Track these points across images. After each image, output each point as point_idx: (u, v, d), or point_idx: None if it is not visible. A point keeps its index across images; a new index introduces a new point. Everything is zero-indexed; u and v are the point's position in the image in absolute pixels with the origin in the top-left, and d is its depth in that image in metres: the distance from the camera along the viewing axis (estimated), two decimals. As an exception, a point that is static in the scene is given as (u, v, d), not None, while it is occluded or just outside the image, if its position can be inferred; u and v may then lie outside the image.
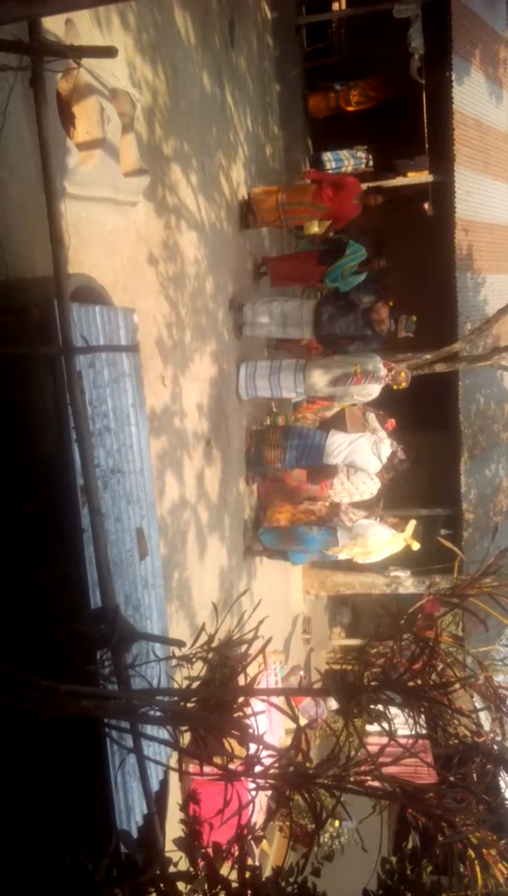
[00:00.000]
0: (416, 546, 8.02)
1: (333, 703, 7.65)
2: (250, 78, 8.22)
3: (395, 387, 7.53)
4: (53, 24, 3.67)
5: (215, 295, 6.64)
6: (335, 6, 11.38)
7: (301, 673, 8.38)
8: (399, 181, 10.36)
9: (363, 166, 10.53)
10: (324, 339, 7.48)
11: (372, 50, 10.92)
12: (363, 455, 7.56)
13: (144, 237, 5.10)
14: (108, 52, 2.56)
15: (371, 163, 10.58)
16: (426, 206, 10.28)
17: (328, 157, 10.50)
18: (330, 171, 10.29)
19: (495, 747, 2.38)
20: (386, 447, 7.55)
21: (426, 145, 10.15)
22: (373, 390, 7.37)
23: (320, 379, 7.30)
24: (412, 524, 7.95)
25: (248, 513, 7.84)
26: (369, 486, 7.90)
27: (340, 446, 7.55)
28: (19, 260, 3.36)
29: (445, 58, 9.28)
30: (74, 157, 3.89)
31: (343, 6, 11.37)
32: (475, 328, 9.43)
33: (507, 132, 10.80)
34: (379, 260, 7.86)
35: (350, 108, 10.57)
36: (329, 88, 10.66)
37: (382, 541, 7.92)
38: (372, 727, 2.78)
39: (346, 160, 10.51)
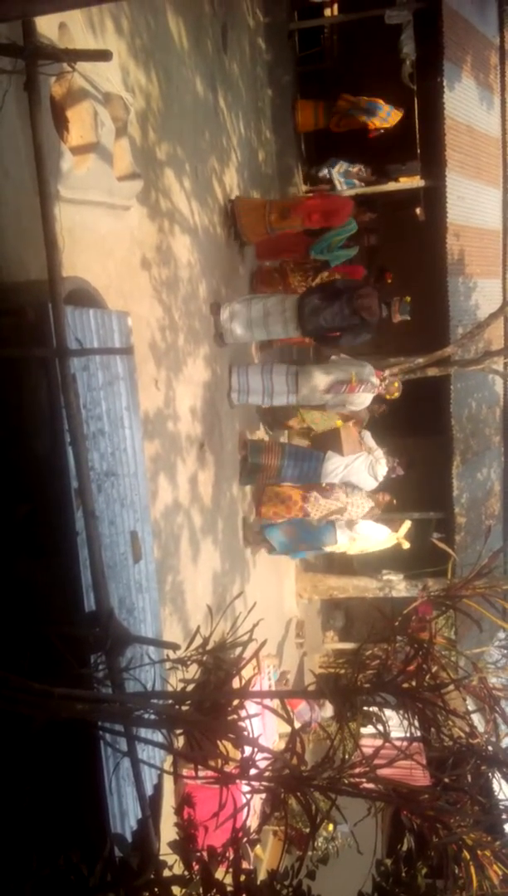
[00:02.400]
0: (406, 545, 8.10)
1: (328, 710, 7.66)
2: (242, 83, 8.25)
3: (387, 396, 7.55)
4: (47, 28, 3.67)
5: (208, 299, 6.64)
6: (328, 12, 11.43)
7: (289, 677, 8.39)
8: (391, 186, 10.41)
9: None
10: (311, 333, 7.16)
11: (364, 55, 10.99)
12: (360, 476, 7.58)
13: (138, 241, 5.11)
14: (102, 55, 2.57)
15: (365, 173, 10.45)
16: (417, 211, 10.33)
17: (337, 177, 10.28)
18: (340, 192, 10.03)
19: (489, 748, 2.39)
20: (382, 467, 7.54)
21: (418, 150, 10.21)
22: (366, 399, 7.32)
23: (314, 386, 7.17)
24: (406, 524, 8.03)
25: (246, 507, 7.87)
26: (363, 506, 7.91)
27: (336, 469, 7.54)
28: (13, 263, 3.36)
29: (436, 64, 9.33)
30: (68, 161, 3.89)
31: (335, 12, 11.43)
32: (466, 332, 9.48)
33: (498, 137, 10.87)
34: (369, 237, 7.70)
35: (337, 129, 10.47)
36: (319, 97, 10.60)
37: (379, 540, 8.08)
38: (367, 730, 2.79)
39: (354, 179, 10.36)
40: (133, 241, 5.03)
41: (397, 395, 7.50)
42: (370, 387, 7.20)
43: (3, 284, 3.23)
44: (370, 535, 8.05)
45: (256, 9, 9.15)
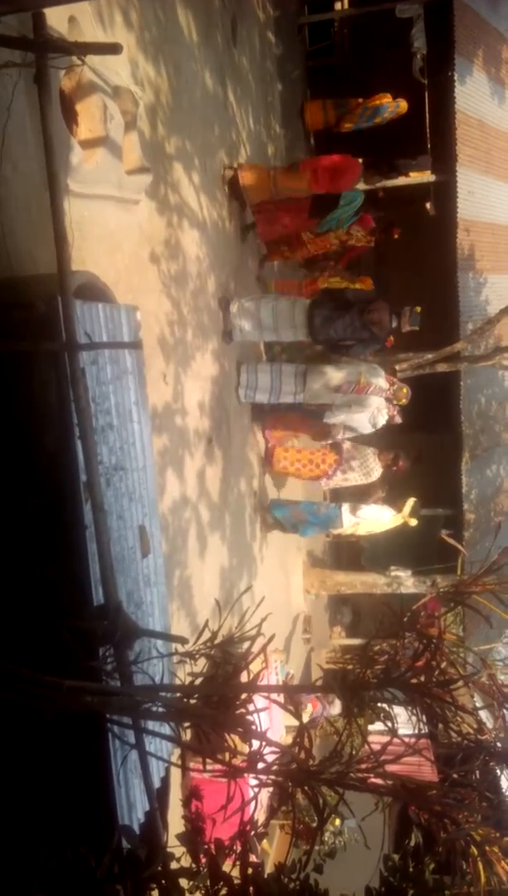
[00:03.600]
0: (413, 522, 8.18)
1: (336, 707, 7.66)
2: (252, 77, 8.22)
3: (395, 402, 7.53)
4: (57, 22, 3.67)
5: (217, 293, 6.63)
6: (338, 6, 11.38)
7: (294, 677, 8.39)
8: (402, 181, 10.36)
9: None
10: (321, 342, 7.19)
11: (375, 49, 10.93)
12: (360, 423, 7.60)
13: (147, 235, 5.11)
14: (112, 48, 2.56)
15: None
16: (428, 206, 10.28)
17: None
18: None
19: (497, 745, 2.38)
20: (383, 416, 7.47)
21: (429, 145, 10.15)
22: (374, 402, 7.26)
23: (323, 383, 7.14)
24: (410, 501, 8.07)
25: (257, 483, 7.95)
26: (372, 472, 7.93)
27: (339, 410, 7.54)
28: (23, 257, 3.36)
29: (447, 58, 9.28)
30: (77, 155, 3.88)
31: (346, 6, 11.37)
32: (476, 328, 9.44)
33: (509, 132, 10.81)
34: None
35: (346, 129, 10.35)
36: (328, 93, 10.50)
37: (383, 523, 8.17)
38: (374, 726, 2.79)
39: None
40: (142, 235, 5.02)
41: (405, 401, 7.50)
42: (378, 390, 7.16)
43: (13, 278, 3.23)
44: (374, 518, 8.15)
45: (266, 2, 9.11)
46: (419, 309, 7.04)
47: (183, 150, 5.82)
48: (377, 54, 10.87)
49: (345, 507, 8.17)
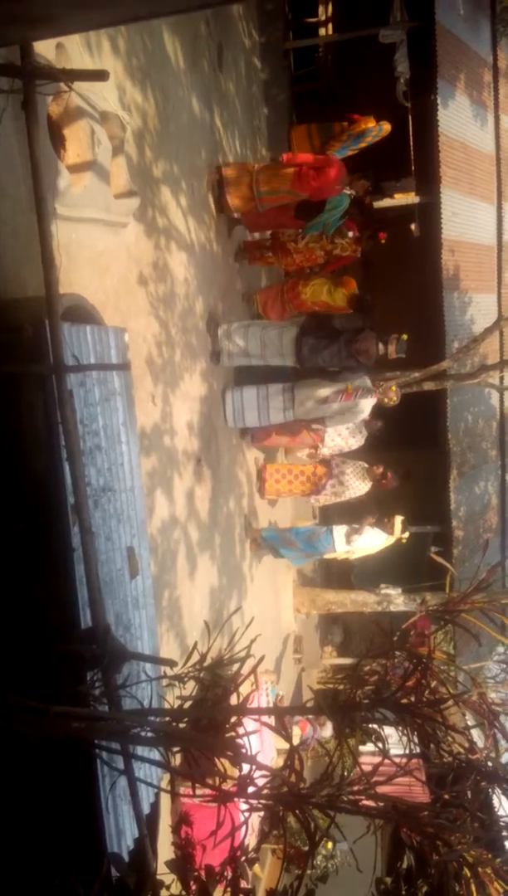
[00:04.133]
0: (406, 537, 8.23)
1: (328, 729, 7.61)
2: (238, 102, 8.33)
3: (386, 401, 7.54)
4: (45, 49, 3.72)
5: (205, 314, 6.67)
6: (322, 31, 11.58)
7: (283, 698, 8.34)
8: (386, 203, 10.49)
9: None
10: (308, 370, 7.25)
11: (359, 73, 11.11)
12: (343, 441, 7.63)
13: (135, 257, 5.14)
14: (99, 75, 2.59)
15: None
16: (413, 226, 10.40)
17: None
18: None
19: (489, 764, 2.37)
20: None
21: (413, 167, 10.29)
22: (365, 406, 7.28)
23: (311, 398, 7.16)
24: (398, 521, 8.10)
25: (246, 502, 7.96)
26: (360, 488, 7.95)
27: (333, 421, 7.55)
28: (11, 280, 3.37)
29: (430, 82, 9.45)
30: (65, 179, 3.92)
31: (330, 32, 11.57)
32: (462, 346, 9.53)
33: (492, 154, 10.98)
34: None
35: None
36: (313, 117, 10.64)
37: (376, 546, 8.18)
38: (366, 747, 2.77)
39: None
40: (130, 257, 5.05)
41: (396, 399, 7.46)
42: (366, 392, 7.18)
43: (1, 301, 3.24)
44: (367, 545, 8.16)
45: (251, 29, 9.27)
46: (405, 336, 7.11)
47: (170, 174, 5.88)
48: (361, 79, 11.04)
49: (338, 532, 8.14)
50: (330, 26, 11.61)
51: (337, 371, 7.18)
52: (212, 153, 7.13)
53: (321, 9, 11.50)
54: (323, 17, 11.54)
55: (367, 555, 8.38)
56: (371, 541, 8.11)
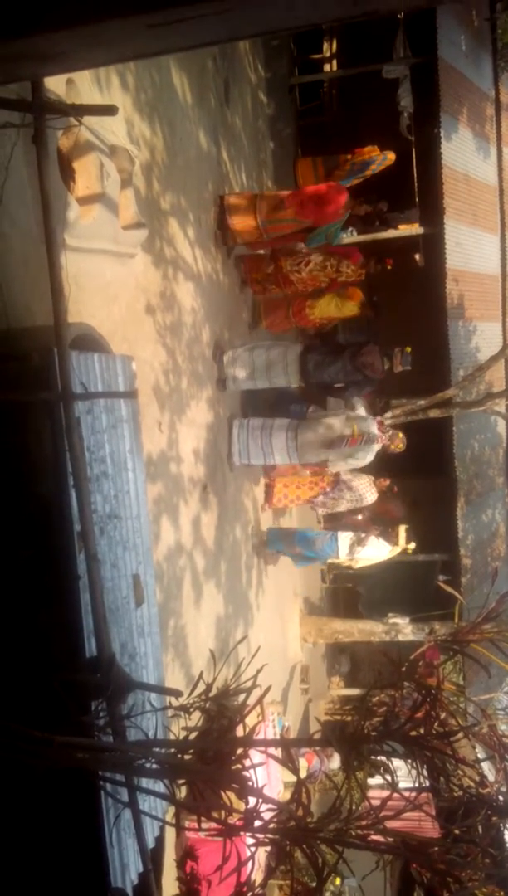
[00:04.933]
0: (412, 546, 8.26)
1: (335, 761, 7.50)
2: (244, 135, 8.48)
3: (392, 448, 7.55)
4: (55, 85, 3.80)
5: (211, 343, 6.72)
6: (327, 67, 11.81)
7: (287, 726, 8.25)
8: (391, 233, 10.60)
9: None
10: (314, 387, 7.24)
11: (363, 108, 11.31)
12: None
13: (143, 287, 5.20)
14: (108, 110, 2.65)
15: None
16: (417, 257, 10.50)
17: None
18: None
19: (500, 798, 2.33)
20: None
21: (417, 199, 10.43)
22: (369, 452, 7.24)
23: (314, 442, 7.10)
24: (402, 531, 8.11)
25: (252, 517, 7.95)
26: (366, 496, 7.93)
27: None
28: (20, 309, 3.41)
29: (433, 115, 9.61)
30: (74, 211, 3.98)
31: (335, 67, 11.81)
32: (467, 374, 9.55)
33: (495, 186, 11.13)
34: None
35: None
36: (318, 151, 10.81)
37: (380, 556, 8.21)
38: (374, 780, 2.73)
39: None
40: (138, 287, 5.11)
41: (401, 446, 7.51)
42: (371, 439, 7.17)
43: (10, 330, 3.27)
44: (372, 555, 8.20)
45: (257, 64, 9.46)
46: (409, 349, 7.12)
47: (178, 206, 5.97)
48: (365, 113, 11.23)
49: (343, 539, 8.16)
50: (335, 62, 11.85)
51: (343, 387, 7.14)
52: (219, 186, 7.24)
53: (325, 45, 11.75)
54: (328, 54, 11.78)
55: (374, 581, 8.37)
56: (375, 551, 8.14)
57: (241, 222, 7.00)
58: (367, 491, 7.90)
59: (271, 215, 6.96)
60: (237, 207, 6.99)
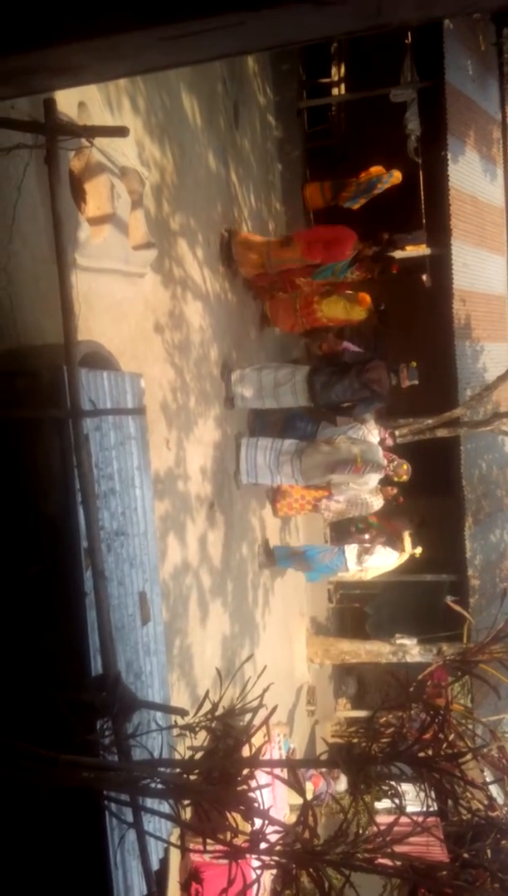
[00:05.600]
0: (419, 552, 8.29)
1: (342, 783, 7.41)
2: (253, 158, 8.58)
3: (396, 479, 7.55)
4: (67, 107, 3.87)
5: (219, 361, 6.75)
6: (335, 91, 11.95)
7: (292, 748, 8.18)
8: (398, 254, 10.64)
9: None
10: (323, 406, 7.24)
11: (370, 131, 11.43)
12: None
13: (152, 307, 5.24)
14: (119, 131, 2.69)
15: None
16: (424, 277, 10.55)
17: None
18: None
19: (509, 822, 2.29)
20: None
21: (424, 220, 10.49)
22: (371, 480, 7.25)
23: (318, 464, 7.10)
24: (407, 537, 8.16)
25: (260, 535, 7.96)
26: (372, 503, 7.91)
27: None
28: (31, 327, 3.44)
29: (440, 138, 9.69)
30: (85, 231, 4.03)
31: (343, 91, 11.95)
32: (475, 394, 9.55)
33: (502, 207, 11.19)
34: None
35: (343, 200, 10.70)
36: (325, 175, 10.90)
37: (389, 564, 8.26)
38: (381, 804, 2.69)
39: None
40: (147, 306, 5.15)
41: (405, 478, 7.51)
42: (376, 467, 7.16)
43: (21, 347, 3.30)
44: (380, 564, 8.24)
45: (266, 88, 9.60)
46: (415, 364, 7.12)
47: (187, 227, 6.03)
48: (372, 136, 11.34)
49: (350, 552, 8.19)
50: (343, 86, 11.99)
51: (351, 406, 7.13)
52: (228, 207, 7.32)
53: (334, 69, 11.90)
54: (336, 78, 11.93)
55: (382, 602, 8.35)
56: (383, 560, 8.16)
57: (247, 262, 7.13)
58: (373, 497, 7.88)
59: (278, 254, 7.10)
60: (245, 240, 7.12)
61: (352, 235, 7.12)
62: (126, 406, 3.08)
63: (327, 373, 6.99)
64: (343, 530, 9.69)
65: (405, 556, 8.24)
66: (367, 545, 8.14)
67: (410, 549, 8.17)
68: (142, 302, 5.08)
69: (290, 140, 10.48)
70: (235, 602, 6.91)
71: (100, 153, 4.19)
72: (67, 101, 3.89)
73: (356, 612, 11.45)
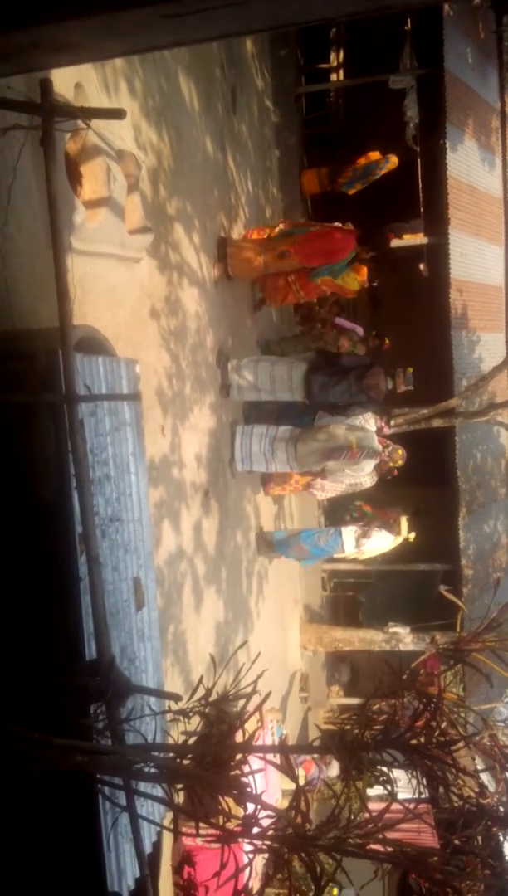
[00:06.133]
0: (412, 537, 8.41)
1: (334, 769, 7.47)
2: (250, 143, 8.52)
3: (391, 464, 7.58)
4: (64, 88, 3.82)
5: (215, 348, 6.73)
6: (333, 77, 11.86)
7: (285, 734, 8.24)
8: (396, 243, 10.60)
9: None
10: (319, 406, 7.30)
11: (369, 118, 11.35)
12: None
13: (148, 292, 5.21)
14: (116, 113, 2.66)
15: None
16: (421, 267, 10.52)
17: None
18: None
19: (500, 809, 2.31)
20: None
21: (422, 209, 10.45)
22: (367, 466, 7.30)
23: (313, 451, 7.15)
24: (403, 521, 8.26)
25: (254, 522, 8.00)
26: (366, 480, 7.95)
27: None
28: (26, 311, 3.42)
29: (439, 127, 9.63)
30: (81, 215, 3.99)
31: (341, 77, 11.86)
32: (471, 385, 9.55)
33: (500, 197, 11.15)
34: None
35: (340, 184, 10.63)
36: (322, 162, 10.83)
37: (385, 547, 8.36)
38: (373, 791, 2.71)
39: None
40: (143, 291, 5.12)
41: (401, 462, 7.56)
42: (371, 453, 7.19)
43: (16, 331, 3.28)
44: (375, 546, 8.32)
45: (265, 73, 9.51)
46: (411, 370, 7.20)
47: (183, 212, 5.99)
48: (370, 123, 11.26)
49: (347, 533, 8.27)
50: (341, 72, 11.89)
51: (347, 405, 7.20)
52: (225, 192, 7.26)
53: (332, 55, 11.80)
54: (335, 63, 11.84)
55: (375, 590, 8.41)
56: (380, 542, 8.26)
57: (241, 272, 7.08)
58: (366, 477, 7.91)
59: (275, 264, 7.10)
60: (240, 251, 7.05)
61: (351, 241, 7.11)
62: (121, 392, 3.07)
63: (326, 373, 7.00)
64: (338, 518, 9.73)
65: (400, 540, 8.33)
66: (364, 528, 8.22)
67: (405, 532, 8.25)
68: (138, 287, 5.05)
69: (288, 126, 10.40)
70: (229, 589, 6.92)
71: (96, 136, 4.14)
72: (64, 82, 3.84)
73: (350, 600, 11.50)
